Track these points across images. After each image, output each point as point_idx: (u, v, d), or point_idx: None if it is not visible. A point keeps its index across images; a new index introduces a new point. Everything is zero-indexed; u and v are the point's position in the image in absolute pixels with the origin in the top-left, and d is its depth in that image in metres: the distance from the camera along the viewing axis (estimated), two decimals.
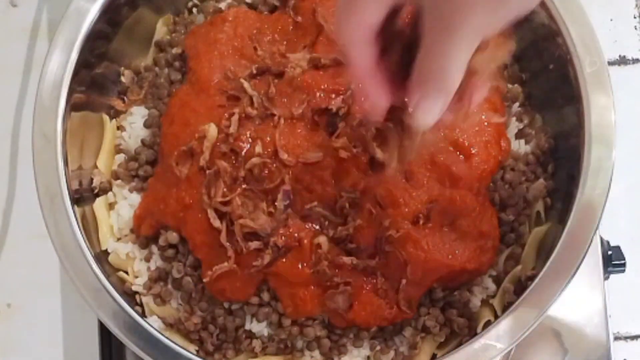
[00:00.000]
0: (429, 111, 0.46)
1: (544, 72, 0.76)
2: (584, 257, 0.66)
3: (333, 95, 0.70)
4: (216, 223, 0.68)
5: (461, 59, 0.42)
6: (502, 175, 0.75)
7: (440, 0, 0.39)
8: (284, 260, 0.69)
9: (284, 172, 0.69)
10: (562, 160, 0.75)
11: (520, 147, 0.77)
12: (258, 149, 0.69)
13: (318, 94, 0.70)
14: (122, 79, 0.82)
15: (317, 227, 0.69)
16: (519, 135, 0.77)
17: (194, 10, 0.84)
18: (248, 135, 0.70)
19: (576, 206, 0.67)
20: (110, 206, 0.77)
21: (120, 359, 0.79)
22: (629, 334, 0.91)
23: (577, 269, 0.66)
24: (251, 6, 0.80)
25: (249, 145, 0.70)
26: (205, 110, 0.72)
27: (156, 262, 0.75)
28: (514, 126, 0.78)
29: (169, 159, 0.72)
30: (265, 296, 0.72)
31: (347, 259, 0.67)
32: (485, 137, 0.71)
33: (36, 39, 0.98)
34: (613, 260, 0.79)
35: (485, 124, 0.72)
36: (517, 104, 0.78)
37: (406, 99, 0.47)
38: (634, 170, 0.94)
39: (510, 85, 0.78)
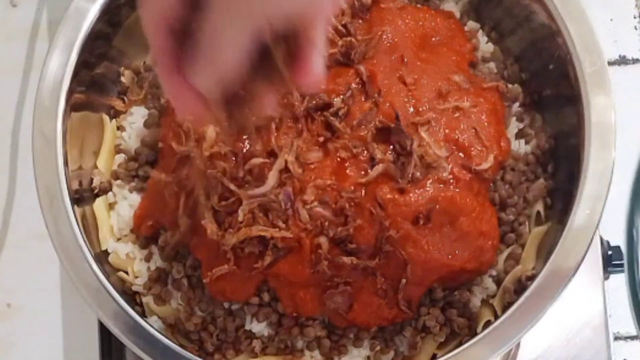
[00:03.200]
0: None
1: (544, 72, 0.76)
2: (584, 257, 0.66)
3: (333, 95, 0.70)
4: (213, 228, 0.68)
5: (239, 39, 0.43)
6: (502, 176, 0.75)
7: None
8: (284, 261, 0.69)
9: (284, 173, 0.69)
10: (562, 160, 0.75)
11: (520, 147, 0.77)
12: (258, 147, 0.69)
13: (318, 94, 0.70)
14: (122, 79, 0.82)
15: (317, 227, 0.69)
16: (519, 135, 0.77)
17: None
18: (247, 136, 0.70)
19: (576, 206, 0.67)
20: (110, 206, 0.77)
21: (120, 359, 0.79)
22: (629, 334, 0.91)
23: (577, 269, 0.66)
24: None
25: (248, 146, 0.70)
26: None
27: (156, 262, 0.75)
28: (514, 126, 0.78)
29: (169, 159, 0.72)
30: (265, 296, 0.72)
31: (347, 259, 0.67)
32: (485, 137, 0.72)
33: (36, 39, 0.98)
34: (613, 260, 0.79)
35: (486, 124, 0.72)
36: (517, 104, 0.78)
37: None
38: (634, 170, 0.94)
39: (510, 85, 0.78)
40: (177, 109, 0.51)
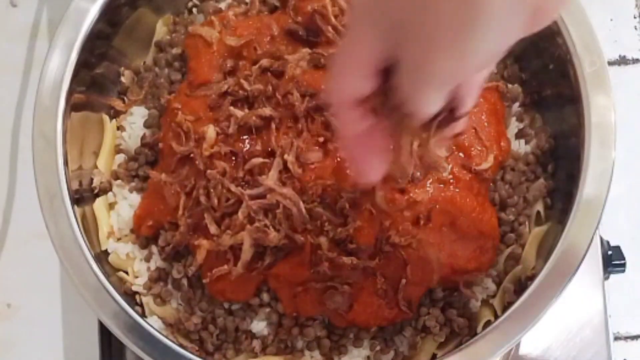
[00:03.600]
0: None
1: (544, 72, 0.76)
2: (584, 257, 0.66)
3: None
4: (212, 229, 0.68)
5: (435, 100, 0.45)
6: (502, 176, 0.75)
7: (406, 50, 0.43)
8: (284, 261, 0.69)
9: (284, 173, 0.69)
10: (562, 160, 0.75)
11: (520, 147, 0.77)
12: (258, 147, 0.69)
13: (318, 94, 0.70)
14: (122, 79, 0.82)
15: (317, 227, 0.69)
16: (519, 135, 0.77)
17: (194, 10, 0.84)
18: (247, 136, 0.70)
19: (576, 206, 0.67)
20: (110, 206, 0.77)
21: (120, 359, 0.79)
22: (629, 334, 0.91)
23: (577, 269, 0.66)
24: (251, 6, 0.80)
25: (248, 146, 0.70)
26: (204, 110, 0.72)
27: (156, 262, 0.75)
28: (514, 126, 0.78)
29: (169, 159, 0.72)
30: (265, 297, 0.72)
31: (347, 260, 0.67)
32: (485, 137, 0.72)
33: (36, 39, 0.98)
34: (613, 260, 0.79)
35: (486, 124, 0.72)
36: (517, 104, 0.78)
37: None
38: (634, 170, 0.94)
39: (510, 85, 0.78)
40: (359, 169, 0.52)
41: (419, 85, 0.44)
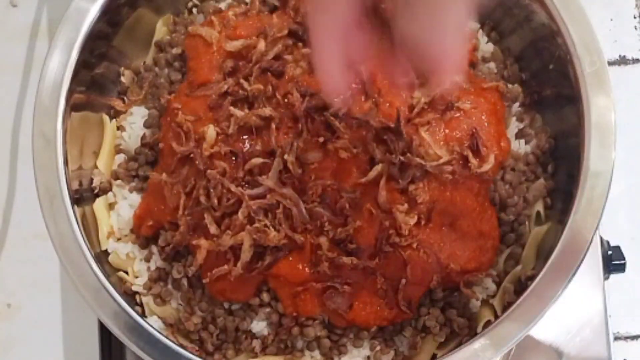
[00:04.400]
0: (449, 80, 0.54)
1: (544, 72, 0.76)
2: (584, 257, 0.66)
3: None
4: (212, 229, 0.68)
5: (458, 32, 0.48)
6: (502, 176, 0.75)
7: None
8: (284, 261, 0.69)
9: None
10: (562, 160, 0.75)
11: (520, 147, 0.77)
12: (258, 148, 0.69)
13: (318, 94, 0.70)
14: (122, 79, 0.82)
15: (317, 227, 0.69)
16: (519, 135, 0.77)
17: (194, 10, 0.84)
18: (247, 136, 0.70)
19: (576, 206, 0.67)
20: (110, 206, 0.77)
21: (120, 359, 0.79)
22: (629, 334, 0.91)
23: (577, 269, 0.66)
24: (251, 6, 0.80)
25: (248, 146, 0.70)
26: (204, 110, 0.72)
27: (156, 262, 0.75)
28: (514, 126, 0.78)
29: (169, 159, 0.72)
30: (266, 297, 0.72)
31: (347, 260, 0.67)
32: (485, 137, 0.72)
33: (36, 39, 0.98)
34: (613, 260, 0.79)
35: (486, 124, 0.72)
36: (517, 104, 0.78)
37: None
38: (634, 170, 0.94)
39: (510, 85, 0.78)
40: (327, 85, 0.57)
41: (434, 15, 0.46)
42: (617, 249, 0.80)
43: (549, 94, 0.77)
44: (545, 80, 0.77)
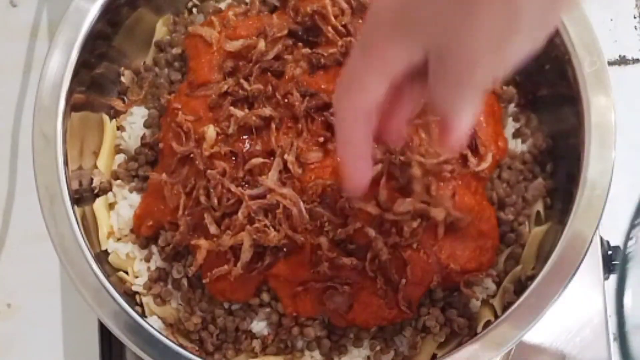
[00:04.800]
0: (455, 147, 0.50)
1: (540, 73, 0.76)
2: (584, 257, 0.66)
3: (333, 95, 0.70)
4: (212, 229, 0.68)
5: (474, 105, 0.45)
6: (499, 174, 0.75)
7: (444, 60, 0.42)
8: (284, 261, 0.69)
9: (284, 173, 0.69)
10: (562, 160, 0.75)
11: (517, 146, 0.77)
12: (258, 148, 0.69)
13: (318, 94, 0.70)
14: (122, 79, 0.82)
15: (317, 227, 0.69)
16: (516, 134, 0.77)
17: (194, 10, 0.84)
18: (247, 136, 0.70)
19: (576, 206, 0.67)
20: (110, 206, 0.77)
21: (120, 359, 0.79)
22: None
23: (577, 269, 0.66)
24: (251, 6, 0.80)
25: (248, 146, 0.70)
26: (204, 110, 0.72)
27: (156, 262, 0.75)
28: (511, 126, 0.78)
29: (169, 159, 0.72)
30: (265, 297, 0.72)
31: (347, 260, 0.67)
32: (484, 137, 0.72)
33: (36, 39, 0.98)
34: (613, 260, 0.79)
35: (484, 124, 0.72)
36: (513, 104, 0.78)
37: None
38: (634, 170, 0.94)
39: (504, 87, 0.78)
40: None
41: (458, 90, 0.44)
42: (617, 249, 0.79)
43: (545, 94, 0.77)
44: (542, 80, 0.77)
